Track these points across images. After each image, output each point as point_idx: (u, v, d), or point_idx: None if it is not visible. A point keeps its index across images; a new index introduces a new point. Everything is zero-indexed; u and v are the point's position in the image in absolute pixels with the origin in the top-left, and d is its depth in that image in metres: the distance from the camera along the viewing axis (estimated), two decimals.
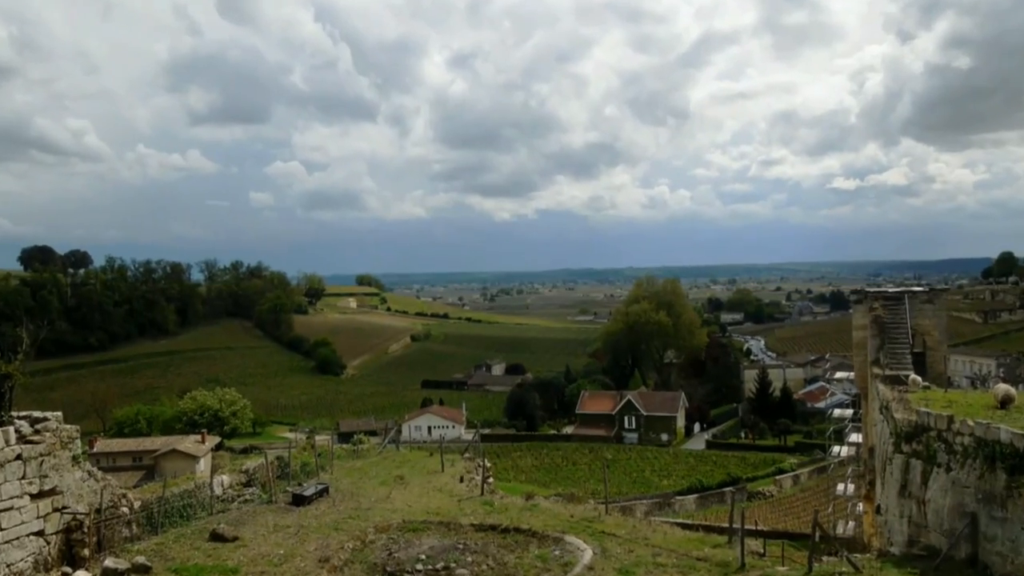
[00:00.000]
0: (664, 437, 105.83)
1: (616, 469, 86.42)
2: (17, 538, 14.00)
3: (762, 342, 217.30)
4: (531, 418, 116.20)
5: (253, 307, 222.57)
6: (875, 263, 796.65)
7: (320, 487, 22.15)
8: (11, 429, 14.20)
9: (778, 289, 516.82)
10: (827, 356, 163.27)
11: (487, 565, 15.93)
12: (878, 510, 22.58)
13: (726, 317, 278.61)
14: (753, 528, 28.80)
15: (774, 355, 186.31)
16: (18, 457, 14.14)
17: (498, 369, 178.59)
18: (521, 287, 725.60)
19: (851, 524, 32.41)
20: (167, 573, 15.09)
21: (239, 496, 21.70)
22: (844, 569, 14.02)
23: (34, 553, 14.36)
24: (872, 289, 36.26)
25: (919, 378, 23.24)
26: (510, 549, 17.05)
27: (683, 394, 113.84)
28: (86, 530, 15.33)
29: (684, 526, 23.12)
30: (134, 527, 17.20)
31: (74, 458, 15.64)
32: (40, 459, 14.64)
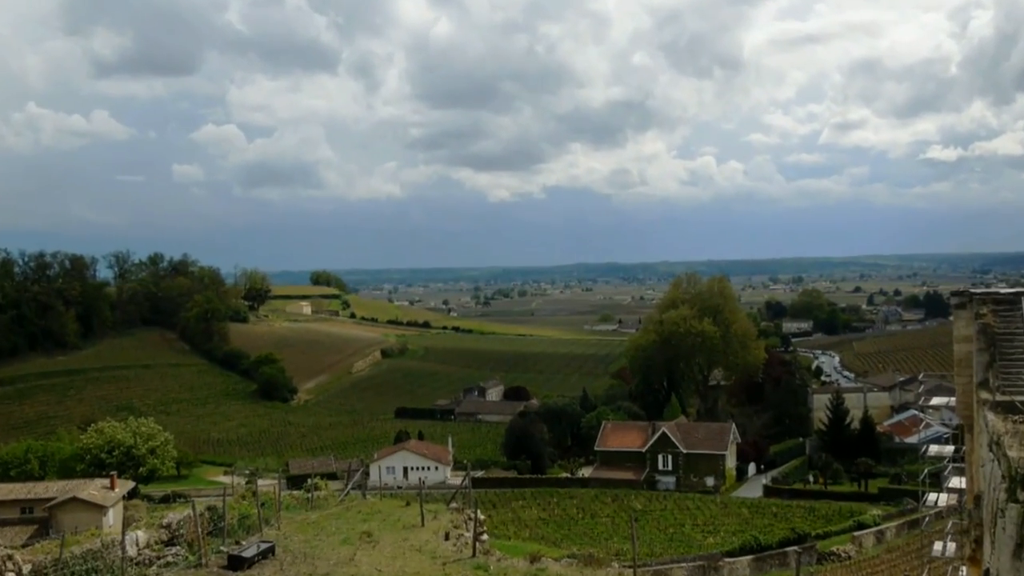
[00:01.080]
0: (709, 481, 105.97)
1: (647, 523, 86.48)
2: None
3: (836, 359, 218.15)
4: (537, 457, 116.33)
5: (177, 313, 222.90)
6: (982, 256, 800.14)
7: (264, 546, 22.14)
8: None
9: (857, 290, 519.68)
10: (920, 377, 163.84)
11: None
12: (986, 575, 22.63)
13: (790, 326, 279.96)
14: None
15: (852, 375, 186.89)
16: None
17: (494, 393, 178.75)
18: (524, 287, 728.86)
19: None
20: None
21: (159, 558, 21.71)
22: None
23: None
24: (979, 290, 36.34)
25: None
26: None
27: (734, 426, 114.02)
28: None
29: None
30: None
31: None
32: None
